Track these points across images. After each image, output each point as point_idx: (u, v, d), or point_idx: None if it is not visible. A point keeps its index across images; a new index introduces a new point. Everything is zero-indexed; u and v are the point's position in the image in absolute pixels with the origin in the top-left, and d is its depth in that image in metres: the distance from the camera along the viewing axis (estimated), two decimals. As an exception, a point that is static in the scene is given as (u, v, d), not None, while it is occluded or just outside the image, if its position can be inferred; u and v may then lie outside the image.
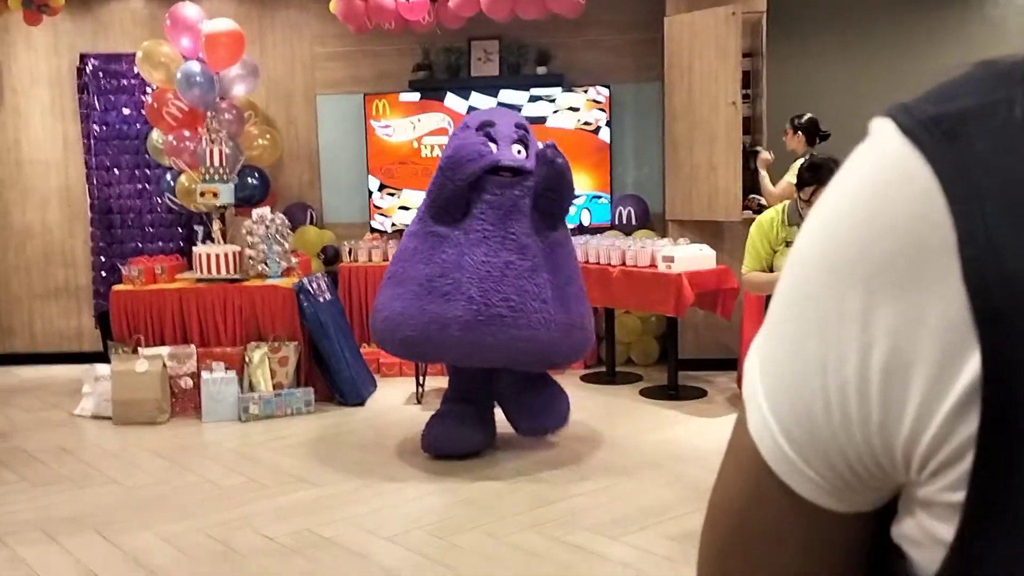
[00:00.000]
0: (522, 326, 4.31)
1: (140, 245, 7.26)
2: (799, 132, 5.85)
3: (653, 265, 5.78)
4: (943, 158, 0.41)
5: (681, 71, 6.38)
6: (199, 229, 6.66)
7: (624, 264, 5.95)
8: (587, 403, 5.74)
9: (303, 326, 5.88)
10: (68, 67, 7.44)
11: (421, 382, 6.00)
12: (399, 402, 6.00)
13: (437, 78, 7.17)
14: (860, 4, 6.76)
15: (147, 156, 7.13)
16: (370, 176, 7.17)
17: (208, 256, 5.99)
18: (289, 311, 5.87)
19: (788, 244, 4.60)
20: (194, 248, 6.20)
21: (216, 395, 5.67)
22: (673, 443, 5.00)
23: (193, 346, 5.83)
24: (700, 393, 6.02)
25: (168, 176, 6.91)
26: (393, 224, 7.15)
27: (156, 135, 6.84)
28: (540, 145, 4.64)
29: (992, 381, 0.39)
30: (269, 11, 7.32)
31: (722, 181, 6.22)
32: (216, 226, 6.28)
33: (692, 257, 5.77)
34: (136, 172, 7.32)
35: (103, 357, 6.33)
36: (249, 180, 6.84)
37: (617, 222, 6.97)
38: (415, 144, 7.09)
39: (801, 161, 5.11)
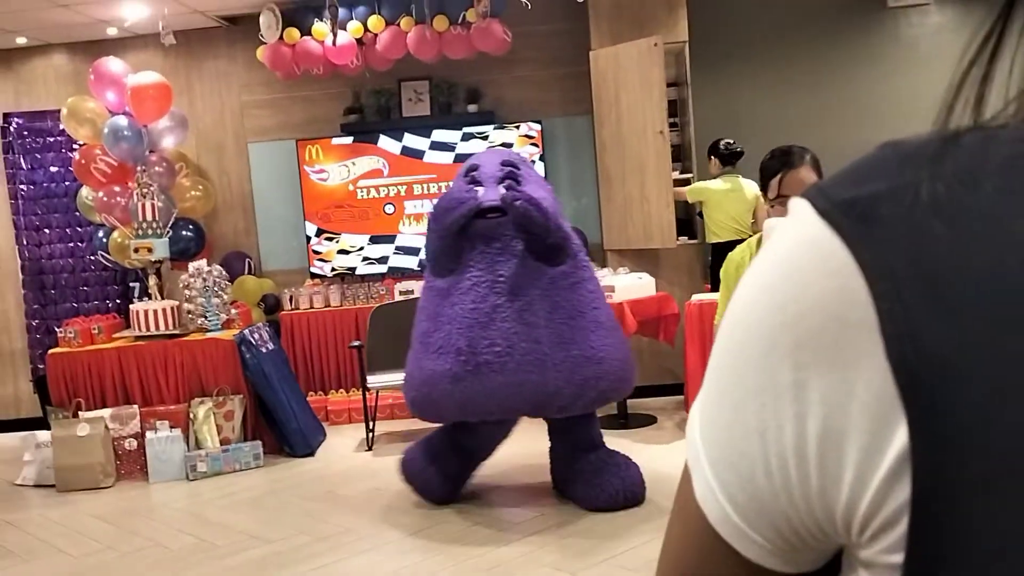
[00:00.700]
0: (510, 371, 4.09)
1: (75, 305, 7.13)
2: (711, 156, 6.25)
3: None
4: (859, 240, 0.43)
5: (609, 103, 6.47)
6: (135, 286, 6.57)
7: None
8: (539, 437, 5.73)
9: (247, 378, 5.82)
10: (-9, 127, 7.30)
11: (371, 428, 5.96)
12: (349, 450, 5.95)
13: (369, 120, 7.18)
14: (777, 30, 6.93)
15: (78, 214, 7.01)
16: (307, 221, 7.14)
17: (146, 313, 5.91)
18: (232, 364, 5.80)
19: None
20: (131, 305, 6.11)
21: (162, 455, 5.58)
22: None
23: (135, 406, 5.73)
24: (650, 420, 6.07)
25: (100, 233, 6.80)
26: (333, 269, 7.12)
27: (86, 192, 6.74)
28: (537, 176, 4.58)
29: (920, 450, 0.41)
30: (196, 61, 7.28)
31: (655, 209, 6.31)
32: (152, 281, 6.20)
33: (632, 285, 5.84)
34: (67, 231, 7.20)
35: (43, 423, 6.19)
36: (183, 233, 6.77)
37: (556, 254, 7.02)
38: (351, 187, 7.09)
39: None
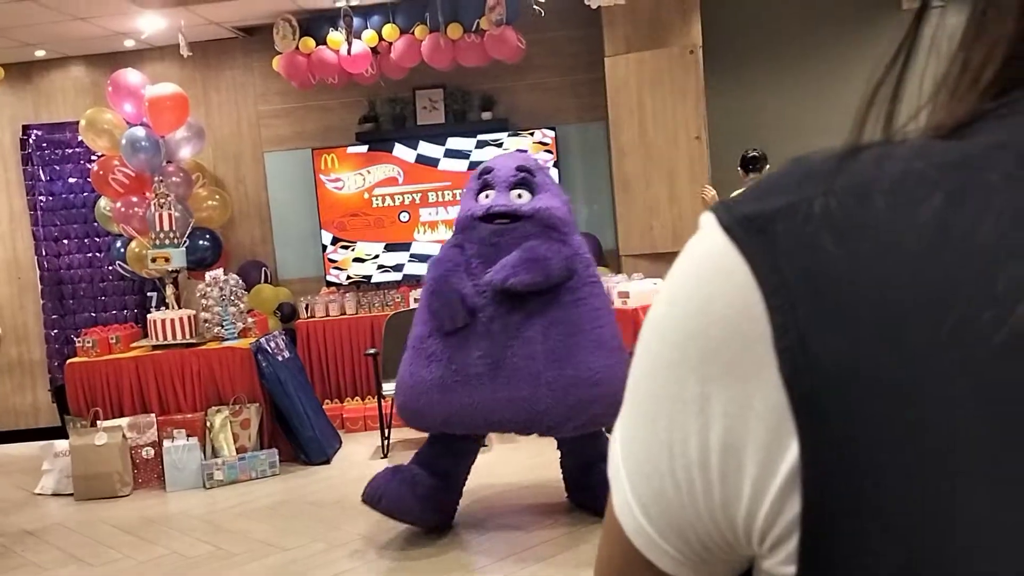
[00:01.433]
0: (499, 385, 3.96)
1: (93, 315, 7.19)
2: (739, 168, 6.20)
3: (609, 302, 5.81)
4: (756, 254, 0.44)
5: (630, 109, 6.48)
6: (152, 295, 6.61)
7: (581, 303, 5.97)
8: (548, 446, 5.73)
9: (263, 386, 5.83)
10: (11, 139, 7.39)
11: (387, 435, 5.97)
12: (365, 457, 5.96)
13: (384, 129, 7.21)
14: (791, 34, 6.91)
15: (96, 224, 7.07)
16: (323, 230, 7.17)
17: (163, 322, 5.94)
18: (248, 372, 5.82)
19: None
20: (148, 315, 6.14)
21: (179, 463, 5.60)
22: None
23: (153, 415, 5.76)
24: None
25: (118, 243, 6.85)
26: (349, 277, 7.15)
27: (104, 203, 6.79)
28: (553, 183, 4.41)
29: (808, 465, 0.42)
30: (212, 72, 7.33)
31: (687, 211, 6.34)
32: (169, 291, 6.23)
33: (647, 291, 5.82)
34: (85, 241, 7.27)
35: (61, 432, 6.23)
36: (200, 242, 6.81)
37: (572, 261, 7.01)
38: (366, 195, 7.11)
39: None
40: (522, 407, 3.99)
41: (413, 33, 6.63)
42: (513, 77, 7.06)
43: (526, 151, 6.96)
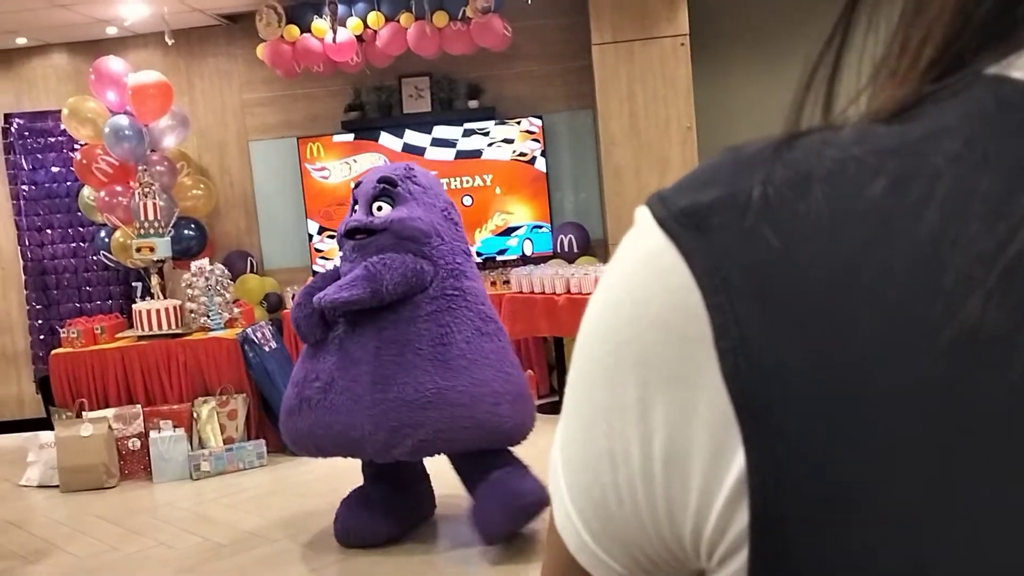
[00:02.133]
0: (324, 409, 3.88)
1: (78, 305, 7.13)
2: None
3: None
4: (694, 251, 0.42)
5: (620, 99, 6.46)
6: (137, 285, 6.56)
7: (569, 292, 5.97)
8: (542, 434, 5.73)
9: (250, 377, 5.82)
10: (-8, 128, 7.30)
11: (374, 425, 5.96)
12: (353, 447, 5.95)
13: (370, 117, 7.17)
14: (780, 23, 6.90)
15: (79, 214, 7.00)
16: (308, 220, 7.13)
17: (148, 312, 5.91)
18: (235, 363, 5.80)
19: None
20: (134, 305, 6.11)
21: (165, 454, 5.58)
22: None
23: (139, 406, 5.73)
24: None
25: (102, 233, 6.80)
26: (335, 267, 7.10)
27: (87, 192, 6.73)
28: (428, 194, 4.16)
29: (755, 473, 0.39)
30: (196, 60, 7.27)
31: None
32: (155, 281, 6.20)
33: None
34: (69, 231, 7.20)
35: (46, 423, 6.19)
36: (185, 232, 6.76)
37: (559, 250, 7.01)
38: (352, 185, 7.06)
39: None
40: (342, 433, 3.86)
41: (399, 21, 6.58)
42: (500, 65, 7.03)
43: (512, 141, 6.94)
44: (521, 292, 6.13)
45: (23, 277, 7.24)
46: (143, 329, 5.92)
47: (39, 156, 7.21)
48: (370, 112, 7.19)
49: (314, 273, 7.09)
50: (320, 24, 6.57)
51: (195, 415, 5.72)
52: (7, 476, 5.99)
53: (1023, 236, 0.37)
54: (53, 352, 5.96)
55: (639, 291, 0.43)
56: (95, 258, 7.08)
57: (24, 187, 7.18)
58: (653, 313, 0.42)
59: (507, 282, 6.46)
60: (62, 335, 6.03)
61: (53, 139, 7.18)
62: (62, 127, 6.81)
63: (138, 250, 6.10)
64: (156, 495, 5.40)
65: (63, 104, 6.60)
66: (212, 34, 7.22)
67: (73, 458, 5.50)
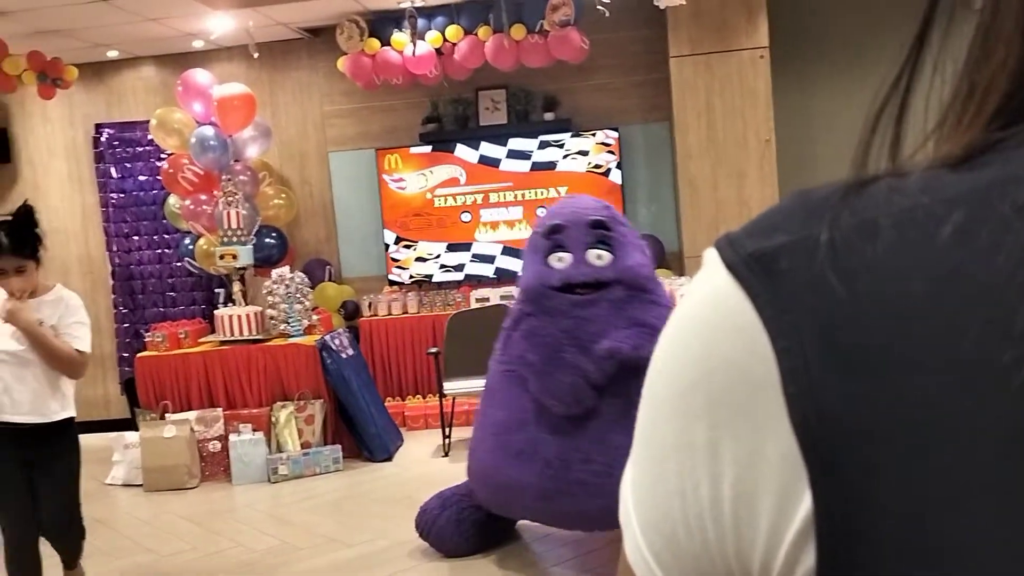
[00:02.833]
0: (609, 493, 3.53)
1: (162, 310, 7.34)
2: None
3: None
4: (763, 295, 0.42)
5: (697, 111, 6.45)
6: (220, 292, 6.73)
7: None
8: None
9: (327, 383, 5.91)
10: (84, 137, 7.57)
11: (448, 434, 6.01)
12: (426, 455, 6.01)
13: (446, 129, 7.25)
14: (859, 35, 6.80)
15: (165, 221, 7.23)
16: (385, 229, 7.24)
17: (230, 318, 6.05)
18: (313, 369, 5.90)
19: None
20: (216, 311, 6.26)
21: (244, 457, 5.70)
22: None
23: (220, 409, 5.87)
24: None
25: (187, 240, 7.00)
26: (411, 276, 7.20)
27: (173, 200, 6.94)
28: (631, 232, 3.78)
29: (822, 515, 0.40)
30: (279, 72, 7.44)
31: (756, 213, 6.30)
32: (236, 288, 6.34)
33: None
34: (155, 238, 7.42)
35: (131, 424, 6.38)
36: (267, 240, 6.92)
37: (633, 262, 6.98)
38: (428, 196, 7.16)
39: None
40: (593, 515, 3.48)
41: (477, 34, 6.66)
42: (576, 77, 7.06)
43: (587, 153, 6.95)
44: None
45: (111, 282, 7.48)
46: (225, 334, 6.06)
47: (127, 165, 7.44)
48: (447, 124, 7.28)
49: (390, 283, 7.19)
50: (400, 37, 6.67)
51: (273, 419, 5.83)
52: (94, 475, 6.16)
53: None
54: (138, 355, 6.14)
55: (707, 333, 0.44)
56: (179, 264, 7.29)
57: (112, 195, 7.42)
58: (721, 356, 0.43)
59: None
60: (147, 339, 6.20)
61: (141, 149, 7.41)
62: (150, 137, 7.03)
63: (221, 257, 6.26)
64: (235, 496, 5.52)
65: (151, 115, 6.81)
66: (294, 47, 7.38)
67: (156, 458, 5.65)
